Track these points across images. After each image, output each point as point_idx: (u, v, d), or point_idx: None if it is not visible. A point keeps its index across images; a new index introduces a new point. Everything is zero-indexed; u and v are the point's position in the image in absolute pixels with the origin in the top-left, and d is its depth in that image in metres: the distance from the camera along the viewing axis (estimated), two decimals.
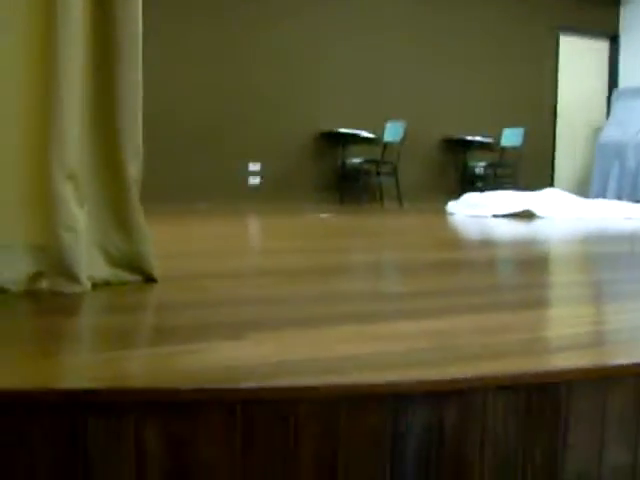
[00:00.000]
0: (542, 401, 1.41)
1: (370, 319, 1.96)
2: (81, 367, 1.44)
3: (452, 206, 7.42)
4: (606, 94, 10.57)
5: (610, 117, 9.96)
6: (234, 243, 4.29)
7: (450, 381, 1.35)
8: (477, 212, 6.91)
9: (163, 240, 4.22)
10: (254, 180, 8.31)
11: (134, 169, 2.36)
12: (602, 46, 10.61)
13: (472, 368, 1.41)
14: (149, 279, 2.41)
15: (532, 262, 3.69)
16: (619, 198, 8.98)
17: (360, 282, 2.84)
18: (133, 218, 2.35)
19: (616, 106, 9.89)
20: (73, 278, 2.16)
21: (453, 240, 5.20)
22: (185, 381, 1.33)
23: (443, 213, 7.24)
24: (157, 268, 2.43)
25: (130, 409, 1.26)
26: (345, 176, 8.62)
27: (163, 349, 1.60)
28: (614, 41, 10.54)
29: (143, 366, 1.48)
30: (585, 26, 10.23)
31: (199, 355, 1.52)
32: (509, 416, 1.38)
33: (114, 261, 2.34)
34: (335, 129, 8.42)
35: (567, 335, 1.87)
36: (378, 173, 8.62)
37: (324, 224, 6.04)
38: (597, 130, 10.15)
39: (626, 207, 7.59)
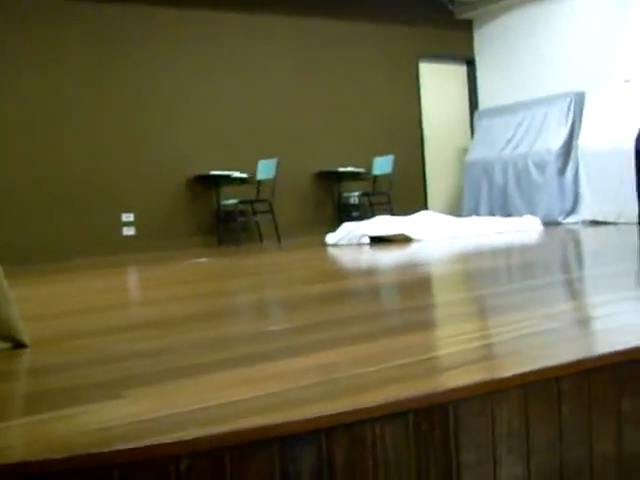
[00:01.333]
0: (430, 424, 1.39)
1: (250, 361, 1.91)
2: None
3: (330, 238, 7.47)
4: (468, 115, 10.95)
5: (474, 137, 10.30)
6: (110, 297, 4.15)
7: (333, 416, 1.31)
8: (355, 240, 6.97)
9: (36, 301, 4.05)
10: (128, 231, 8.14)
11: None
12: (460, 70, 11.00)
13: (356, 400, 1.38)
14: (18, 345, 2.28)
15: (413, 285, 3.72)
16: (491, 214, 9.28)
17: (241, 324, 2.78)
18: None
19: (479, 126, 10.25)
20: None
21: (334, 271, 5.21)
22: (60, 450, 1.24)
23: (322, 246, 7.28)
24: (26, 332, 2.31)
25: None
26: (221, 218, 8.56)
27: (34, 418, 1.50)
28: (471, 64, 10.95)
29: (14, 438, 1.38)
30: (443, 52, 10.59)
31: (72, 420, 1.44)
32: (399, 443, 1.36)
33: None
34: (207, 172, 8.36)
35: (451, 354, 1.87)
36: (254, 212, 8.60)
37: (203, 269, 5.95)
38: (464, 150, 10.49)
39: (497, 222, 7.84)
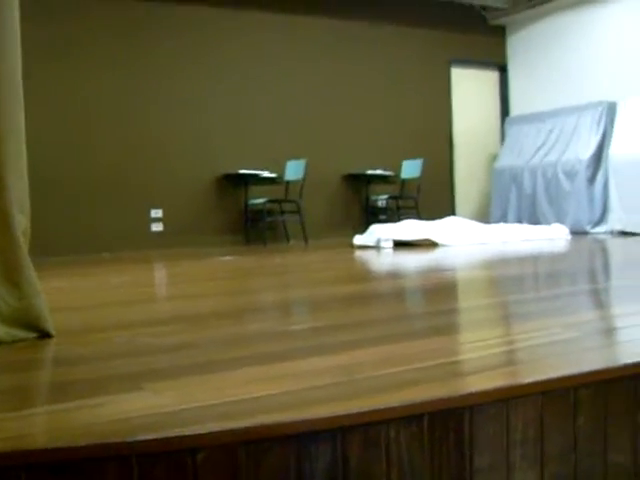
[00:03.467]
0: (445, 427, 1.40)
1: (273, 359, 1.93)
2: None
3: (357, 239, 7.48)
4: (499, 122, 10.91)
5: (504, 143, 10.27)
6: (137, 292, 4.20)
7: (350, 415, 1.32)
8: (381, 244, 6.98)
9: (63, 293, 4.11)
10: (157, 227, 8.20)
11: (21, 223, 2.28)
12: (492, 76, 10.96)
13: (372, 401, 1.40)
14: (44, 335, 2.32)
15: (437, 290, 3.73)
16: (519, 221, 9.24)
17: (266, 322, 2.81)
18: (22, 272, 2.26)
19: (509, 133, 10.21)
20: None
21: (360, 273, 5.23)
22: (82, 438, 1.27)
23: (349, 247, 7.29)
24: (52, 322, 2.35)
25: (29, 470, 1.20)
26: (249, 217, 8.60)
27: (57, 406, 1.54)
28: (503, 71, 10.91)
29: (39, 426, 1.42)
30: (475, 58, 10.56)
31: (94, 410, 1.47)
32: (413, 446, 1.37)
33: (4, 318, 2.24)
34: (236, 171, 8.40)
35: (470, 359, 1.88)
36: (282, 212, 8.64)
37: (229, 267, 5.99)
38: (493, 156, 10.45)
39: (525, 230, 7.81)
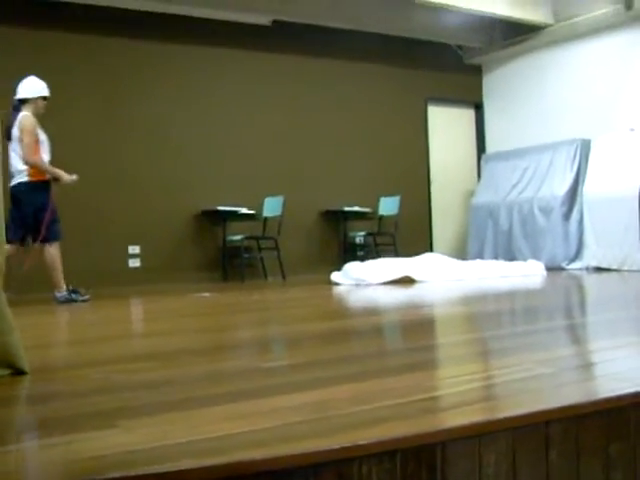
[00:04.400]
0: (418, 464, 1.41)
1: (249, 396, 1.93)
2: None
3: (335, 276, 7.49)
4: (475, 159, 11.03)
5: (481, 180, 10.37)
6: (113, 328, 4.18)
7: (323, 452, 1.33)
8: (359, 281, 6.99)
9: (38, 329, 4.08)
10: (134, 263, 8.18)
11: None
12: (469, 114, 11.11)
13: (345, 437, 1.40)
14: (18, 372, 2.30)
15: (414, 326, 3.74)
16: (496, 257, 9.30)
17: (242, 359, 2.81)
18: None
19: (485, 170, 10.32)
20: None
21: (337, 310, 5.23)
22: (53, 476, 1.27)
23: (327, 284, 7.30)
24: (27, 359, 2.33)
25: None
26: (227, 253, 8.60)
27: (30, 444, 1.53)
28: (479, 109, 11.06)
29: (9, 464, 1.40)
30: (452, 96, 10.70)
31: (67, 447, 1.46)
32: None
33: None
34: (214, 207, 8.42)
35: (443, 396, 1.89)
36: (260, 249, 8.64)
37: (206, 303, 5.98)
38: (470, 193, 10.54)
39: (501, 266, 7.86)
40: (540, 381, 1.95)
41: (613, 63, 9.14)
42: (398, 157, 10.09)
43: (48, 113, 7.56)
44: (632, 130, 8.48)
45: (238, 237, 8.43)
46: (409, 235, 9.76)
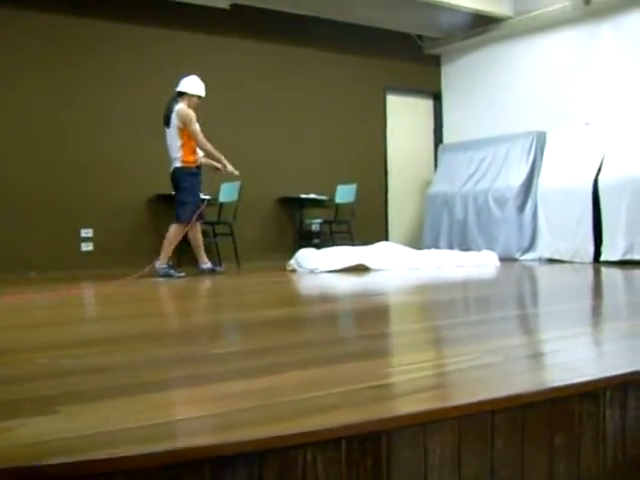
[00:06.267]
0: (363, 452, 1.40)
1: (195, 382, 1.91)
2: None
3: (290, 264, 7.47)
4: (432, 149, 11.07)
5: (437, 171, 10.41)
6: (61, 313, 4.12)
7: (267, 439, 1.31)
8: (314, 269, 6.99)
9: None
10: (87, 246, 8.07)
11: None
12: (427, 104, 11.13)
13: (290, 425, 1.39)
14: None
15: (367, 314, 3.74)
16: (450, 247, 9.35)
17: (190, 345, 2.77)
18: None
19: (442, 160, 10.36)
20: None
21: (290, 297, 5.22)
22: None
23: (281, 271, 7.29)
24: None
25: None
26: (181, 239, 8.51)
27: None
28: (437, 99, 11.09)
29: None
30: (410, 85, 10.71)
31: (6, 433, 1.42)
32: (331, 470, 1.36)
33: None
34: (168, 192, 8.32)
35: (391, 384, 1.89)
36: (215, 234, 8.58)
37: (158, 288, 5.93)
38: (426, 183, 10.58)
39: (455, 256, 7.91)
40: (488, 370, 1.96)
41: (570, 57, 9.22)
42: (355, 145, 10.08)
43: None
44: (587, 124, 8.58)
45: None
46: (365, 223, 9.76)
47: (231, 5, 8.85)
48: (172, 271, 6.88)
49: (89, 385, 1.93)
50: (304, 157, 9.59)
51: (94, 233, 8.11)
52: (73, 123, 8.06)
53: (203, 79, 7.25)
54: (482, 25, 9.92)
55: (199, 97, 7.08)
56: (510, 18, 9.67)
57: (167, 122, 6.97)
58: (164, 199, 8.36)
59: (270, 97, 9.36)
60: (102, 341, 2.82)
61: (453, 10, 9.36)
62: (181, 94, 7.00)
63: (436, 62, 10.99)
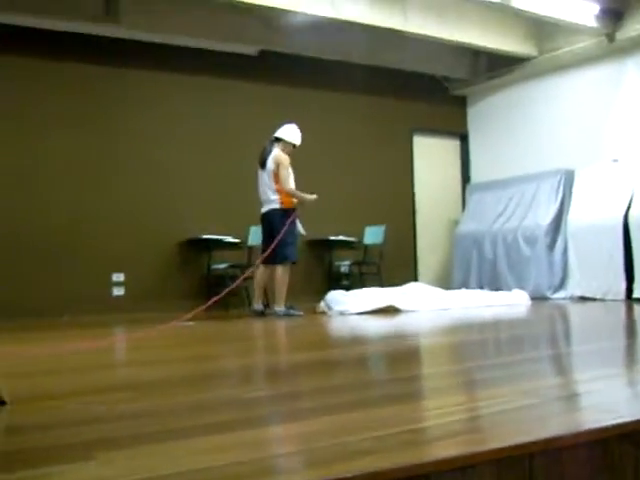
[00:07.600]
0: None
1: (231, 427, 1.90)
2: None
3: (320, 306, 7.46)
4: (460, 188, 11.07)
5: (466, 210, 10.40)
6: (94, 358, 4.13)
7: None
8: (343, 309, 6.97)
9: (18, 359, 4.03)
10: (118, 291, 8.13)
11: None
12: (454, 144, 11.17)
13: (328, 471, 1.38)
14: None
15: (399, 356, 3.72)
16: (481, 286, 9.30)
17: (223, 389, 2.77)
18: None
19: (470, 200, 10.35)
20: None
21: (322, 339, 5.21)
22: None
23: (312, 313, 7.27)
24: (5, 389, 2.30)
25: None
26: (211, 282, 8.56)
27: (6, 477, 1.50)
28: (464, 139, 11.12)
29: None
30: (437, 126, 10.76)
31: None
32: None
33: None
34: (200, 235, 8.39)
35: (428, 427, 1.87)
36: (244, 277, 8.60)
37: (190, 332, 5.94)
38: (455, 222, 10.57)
39: (486, 295, 7.86)
40: (524, 412, 1.93)
41: (596, 95, 9.22)
42: (383, 186, 10.11)
43: (29, 141, 7.58)
44: (615, 161, 8.55)
45: (222, 265, 8.40)
46: (394, 264, 9.74)
47: (260, 51, 8.99)
48: (292, 311, 7.10)
49: (124, 431, 1.92)
50: (332, 199, 9.61)
51: (125, 277, 8.18)
52: (105, 169, 8.18)
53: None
54: (506, 65, 9.97)
55: (294, 145, 7.37)
56: (534, 57, 9.71)
57: (263, 165, 7.27)
58: (194, 243, 8.42)
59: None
60: (134, 386, 2.82)
61: (478, 51, 9.42)
62: (278, 140, 7.31)
63: (462, 103, 11.04)
